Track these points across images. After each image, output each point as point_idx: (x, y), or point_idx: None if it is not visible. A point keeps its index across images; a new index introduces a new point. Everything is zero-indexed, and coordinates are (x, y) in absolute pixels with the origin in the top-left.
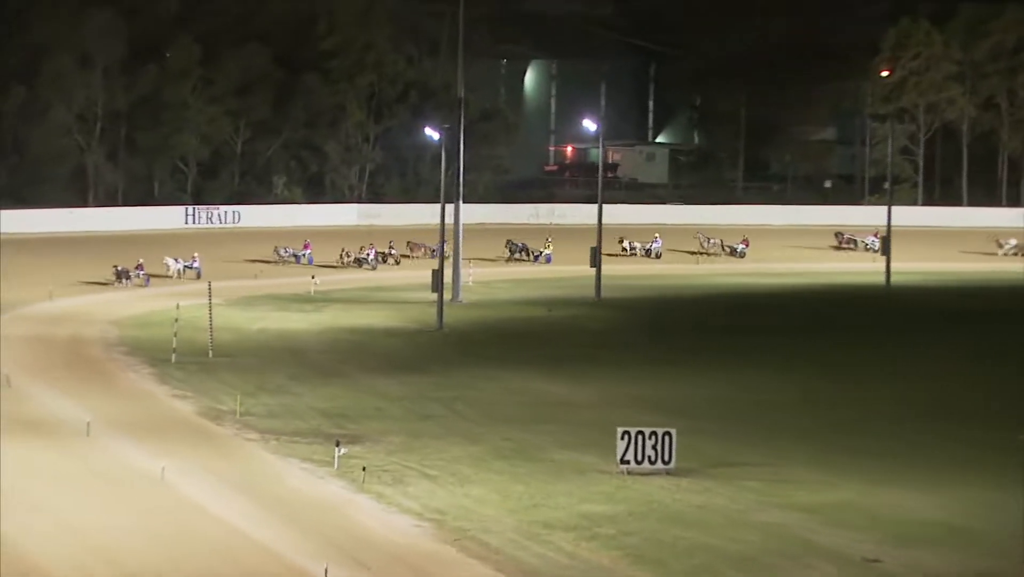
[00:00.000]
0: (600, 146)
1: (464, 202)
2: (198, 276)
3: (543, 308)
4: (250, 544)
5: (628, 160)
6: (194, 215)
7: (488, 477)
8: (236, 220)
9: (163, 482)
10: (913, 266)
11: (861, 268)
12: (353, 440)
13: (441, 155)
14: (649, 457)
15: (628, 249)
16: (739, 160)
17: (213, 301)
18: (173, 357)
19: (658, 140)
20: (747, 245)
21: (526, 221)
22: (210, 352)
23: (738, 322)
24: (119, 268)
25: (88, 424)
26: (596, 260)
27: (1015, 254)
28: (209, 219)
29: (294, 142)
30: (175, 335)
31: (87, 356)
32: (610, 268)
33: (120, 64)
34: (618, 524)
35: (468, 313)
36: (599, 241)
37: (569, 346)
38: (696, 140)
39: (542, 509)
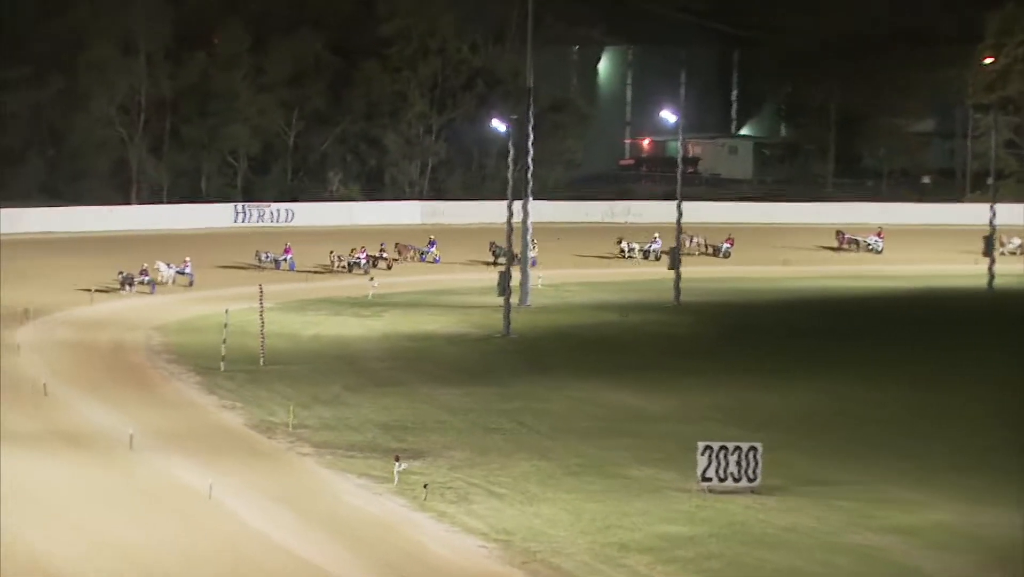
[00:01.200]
0: (679, 139)
1: (533, 199)
2: (190, 283)
3: (617, 313)
4: (303, 566)
5: (709, 154)
6: (244, 213)
7: (558, 495)
8: (289, 219)
9: (210, 499)
10: (1012, 268)
11: (960, 271)
12: (414, 455)
13: (508, 148)
14: (732, 474)
15: (626, 251)
16: (829, 154)
17: (265, 305)
18: (222, 365)
19: (742, 132)
20: (732, 244)
21: (599, 219)
22: (261, 360)
23: (826, 328)
24: (124, 273)
25: (131, 436)
26: (675, 261)
27: (1021, 253)
28: (260, 217)
29: (351, 135)
30: (224, 341)
31: (130, 364)
32: (686, 271)
33: (165, 51)
34: (698, 546)
35: (537, 318)
36: (678, 241)
37: (645, 353)
38: (783, 132)
39: (616, 530)
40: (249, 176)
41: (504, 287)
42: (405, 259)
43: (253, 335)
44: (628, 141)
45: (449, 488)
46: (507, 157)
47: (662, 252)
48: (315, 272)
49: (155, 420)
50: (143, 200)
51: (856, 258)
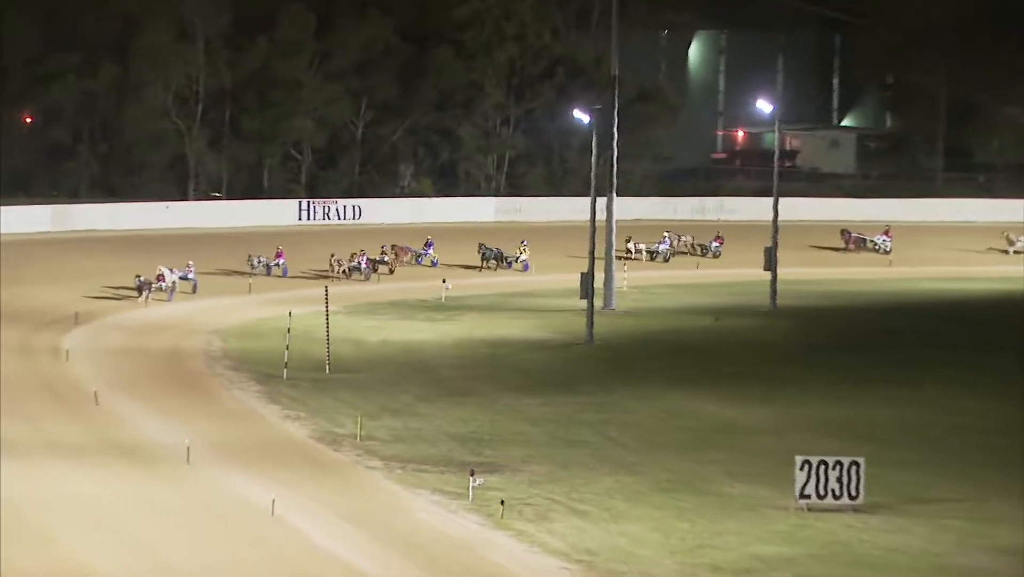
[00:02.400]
0: (776, 130)
1: (618, 195)
2: (194, 289)
3: (709, 317)
4: None
5: (809, 147)
6: (308, 210)
7: (646, 513)
8: (356, 216)
9: (273, 516)
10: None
11: None
12: (490, 469)
13: (592, 141)
14: (833, 491)
15: (633, 251)
16: (938, 146)
17: (330, 308)
18: (285, 372)
19: (843, 123)
20: (721, 243)
21: (689, 216)
22: (327, 367)
23: (932, 333)
24: (141, 278)
25: (188, 449)
26: (771, 263)
27: None
28: (326, 215)
29: (422, 126)
30: (287, 347)
31: (187, 371)
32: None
33: (224, 36)
34: (797, 568)
35: (622, 323)
36: (774, 240)
37: (739, 361)
38: (888, 123)
39: (708, 550)
40: (314, 170)
41: (587, 290)
42: (401, 262)
43: (318, 340)
44: (720, 133)
45: (528, 505)
46: (590, 151)
47: (671, 253)
48: (314, 278)
49: (214, 431)
50: (201, 196)
51: (963, 258)
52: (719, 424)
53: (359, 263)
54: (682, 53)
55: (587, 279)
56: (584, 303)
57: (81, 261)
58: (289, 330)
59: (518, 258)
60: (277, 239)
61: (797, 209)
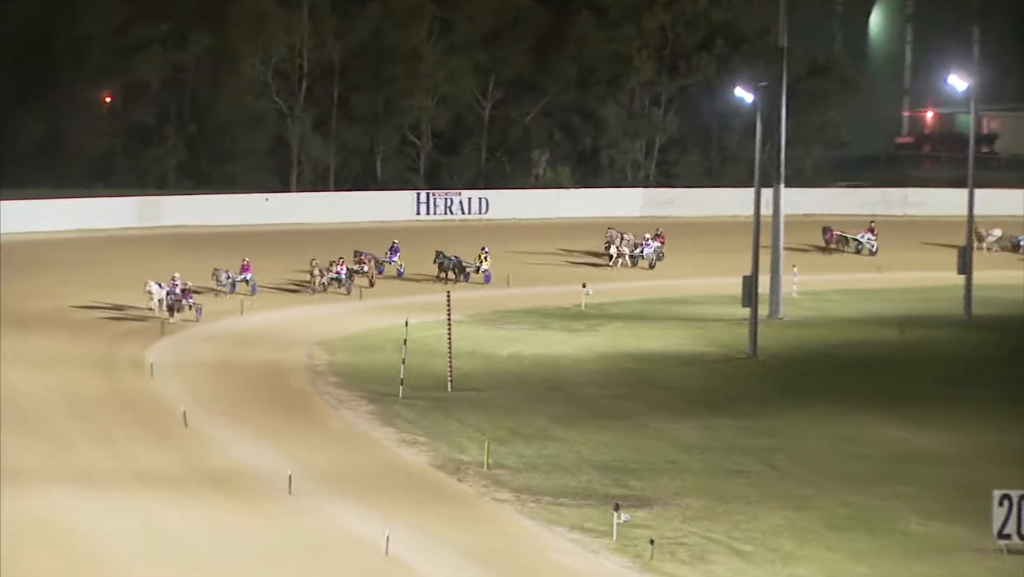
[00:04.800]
0: (971, 111)
1: (786, 186)
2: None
3: (893, 328)
4: None
5: (1010, 130)
6: (428, 203)
7: (818, 554)
8: (482, 210)
9: (387, 555)
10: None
11: None
12: (638, 503)
13: (756, 123)
14: None
15: (616, 254)
16: None
17: (453, 317)
18: (400, 391)
19: None
20: (663, 243)
21: (870, 211)
22: (449, 384)
23: None
24: (166, 289)
25: (290, 478)
26: (965, 265)
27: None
28: (448, 208)
29: (560, 106)
30: (403, 361)
31: (288, 388)
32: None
33: (331, 2)
34: None
35: (791, 334)
36: (969, 239)
37: (927, 380)
38: None
39: None
40: (434, 157)
41: (750, 296)
42: (362, 271)
43: (438, 354)
44: (906, 114)
45: (681, 544)
46: (754, 135)
47: (656, 259)
48: (290, 289)
49: (319, 458)
50: (304, 187)
51: None
52: (902, 452)
53: (338, 274)
54: (862, 21)
55: (750, 283)
56: (746, 311)
57: (167, 261)
58: (405, 342)
59: (479, 268)
60: (391, 236)
61: (996, 202)
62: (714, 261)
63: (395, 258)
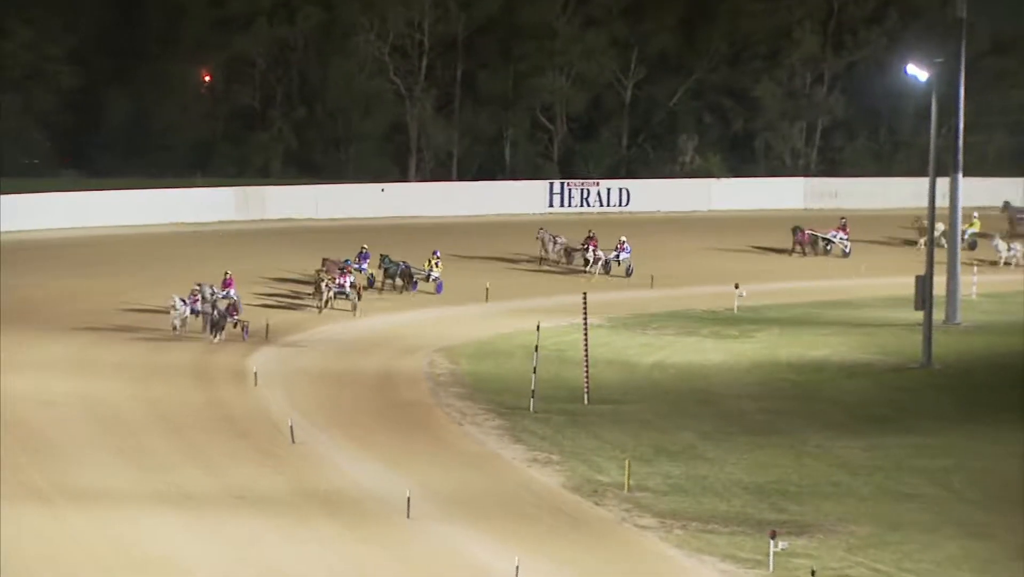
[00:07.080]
0: None
1: (965, 175)
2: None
3: None
4: None
5: None
6: (562, 194)
7: None
8: (623, 202)
9: None
10: None
11: None
12: (797, 530)
13: (931, 105)
14: None
15: (592, 260)
16: None
17: (590, 321)
18: (531, 403)
19: None
20: (628, 252)
21: None
22: (586, 397)
23: None
24: (183, 300)
25: (408, 500)
26: None
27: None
28: (584, 200)
29: (710, 86)
30: (534, 370)
31: (405, 400)
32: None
33: None
34: None
35: (970, 341)
36: None
37: None
38: None
39: None
40: (569, 143)
41: (925, 298)
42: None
43: (573, 362)
44: None
45: (846, 576)
46: (928, 118)
47: (633, 265)
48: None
49: (440, 478)
50: (425, 176)
51: None
52: None
53: (342, 286)
54: None
55: (924, 284)
56: (920, 315)
57: (272, 258)
58: (537, 348)
59: (428, 275)
60: (522, 230)
61: None
62: (884, 259)
63: (364, 265)
